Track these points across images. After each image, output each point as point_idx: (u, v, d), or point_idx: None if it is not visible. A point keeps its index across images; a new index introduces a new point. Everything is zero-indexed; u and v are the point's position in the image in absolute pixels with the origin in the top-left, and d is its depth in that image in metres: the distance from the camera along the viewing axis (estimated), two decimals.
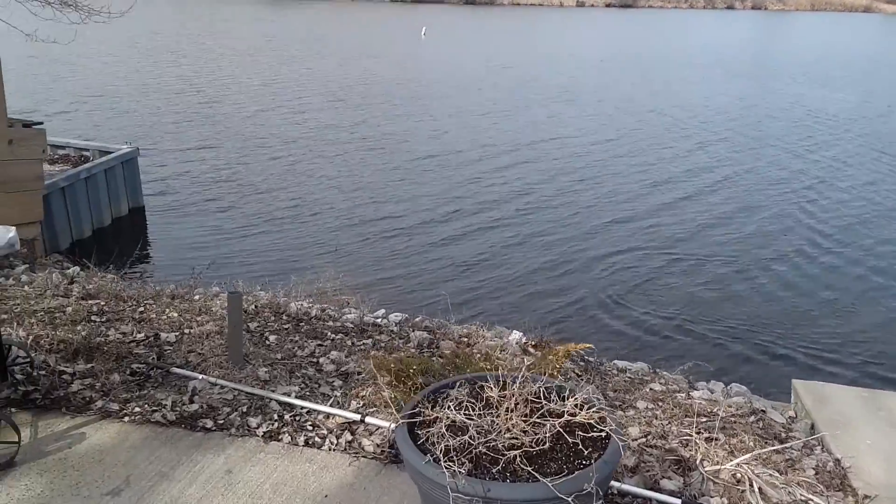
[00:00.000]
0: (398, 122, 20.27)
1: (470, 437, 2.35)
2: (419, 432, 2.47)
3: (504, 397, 2.52)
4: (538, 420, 2.45)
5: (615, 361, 5.53)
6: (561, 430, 2.40)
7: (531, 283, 9.35)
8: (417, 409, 2.55)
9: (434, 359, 4.28)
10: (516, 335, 5.63)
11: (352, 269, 8.50)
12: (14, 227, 7.01)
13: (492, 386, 2.60)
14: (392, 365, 3.51)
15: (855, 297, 9.65)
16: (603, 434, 2.44)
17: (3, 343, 3.76)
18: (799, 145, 19.31)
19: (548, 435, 2.37)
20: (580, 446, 2.37)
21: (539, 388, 2.63)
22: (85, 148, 12.87)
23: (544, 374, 3.51)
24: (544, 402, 2.52)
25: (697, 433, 3.88)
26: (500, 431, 2.39)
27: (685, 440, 3.80)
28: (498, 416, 2.43)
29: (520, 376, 2.60)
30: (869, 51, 50.57)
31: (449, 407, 2.48)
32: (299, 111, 21.28)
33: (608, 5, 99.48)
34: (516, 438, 2.37)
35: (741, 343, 8.20)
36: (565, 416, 2.42)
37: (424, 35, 49.74)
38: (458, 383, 2.71)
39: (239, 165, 15.26)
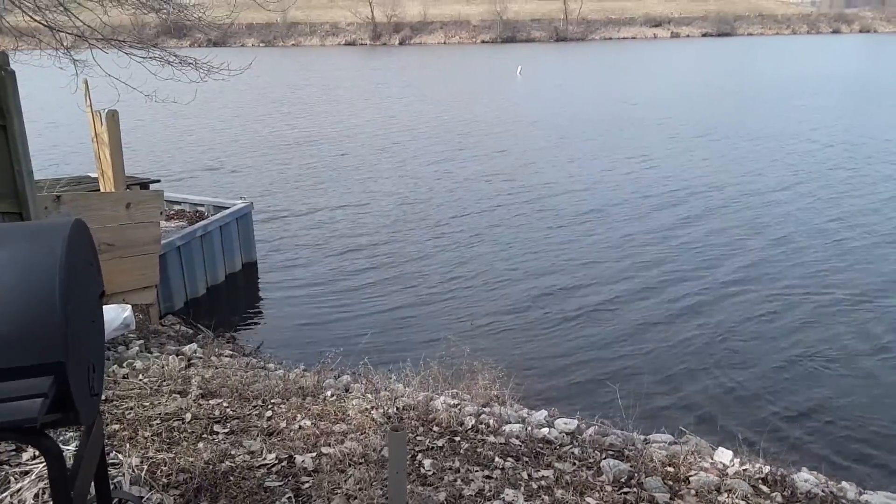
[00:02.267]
0: (533, 170, 18.86)
1: None
2: None
3: None
4: None
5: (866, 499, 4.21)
6: None
7: (718, 371, 7.61)
8: None
9: None
10: (726, 456, 4.43)
11: (491, 350, 7.42)
12: (129, 307, 6.50)
13: None
14: None
15: None
16: None
17: (111, 497, 2.96)
18: None
19: None
20: None
21: None
22: (200, 203, 12.71)
23: None
24: None
25: None
26: None
27: None
28: None
29: None
30: None
31: None
32: (417, 163, 20.41)
33: (705, 34, 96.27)
34: None
35: None
36: None
37: (520, 74, 49.26)
38: None
39: (356, 222, 14.42)
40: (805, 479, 4.51)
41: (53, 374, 2.06)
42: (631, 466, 3.96)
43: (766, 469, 4.14)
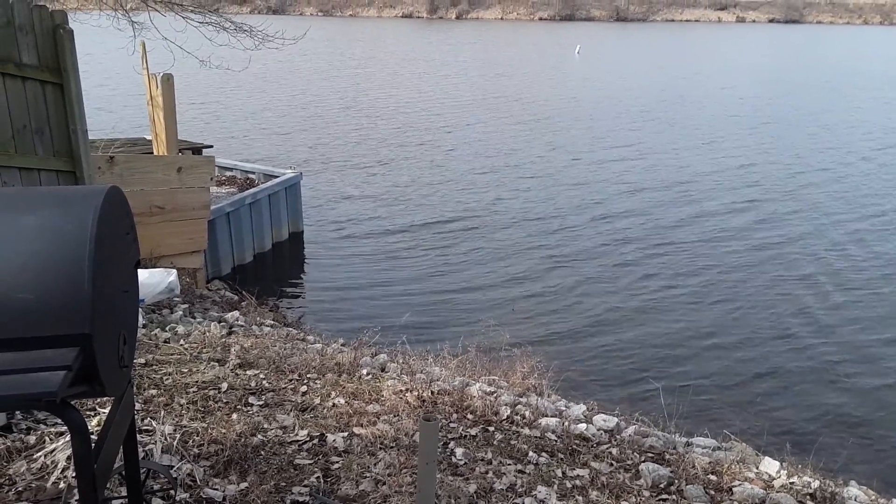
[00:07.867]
0: (604, 146, 18.24)
1: None
2: None
3: None
4: None
5: None
6: None
7: (766, 373, 7.21)
8: None
9: None
10: (772, 466, 4.21)
11: (531, 338, 7.27)
12: (175, 271, 6.56)
13: None
14: None
15: None
16: None
17: (139, 466, 2.94)
18: None
19: None
20: None
21: None
22: (251, 171, 12.84)
23: None
24: None
25: None
26: None
27: None
28: None
29: None
30: None
31: None
32: (473, 138, 19.99)
33: (772, 20, 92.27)
34: None
35: None
36: None
37: (578, 54, 48.25)
38: None
39: (406, 200, 14.18)
40: (854, 495, 4.27)
41: (79, 346, 2.01)
42: (671, 472, 3.79)
43: (815, 484, 3.91)
